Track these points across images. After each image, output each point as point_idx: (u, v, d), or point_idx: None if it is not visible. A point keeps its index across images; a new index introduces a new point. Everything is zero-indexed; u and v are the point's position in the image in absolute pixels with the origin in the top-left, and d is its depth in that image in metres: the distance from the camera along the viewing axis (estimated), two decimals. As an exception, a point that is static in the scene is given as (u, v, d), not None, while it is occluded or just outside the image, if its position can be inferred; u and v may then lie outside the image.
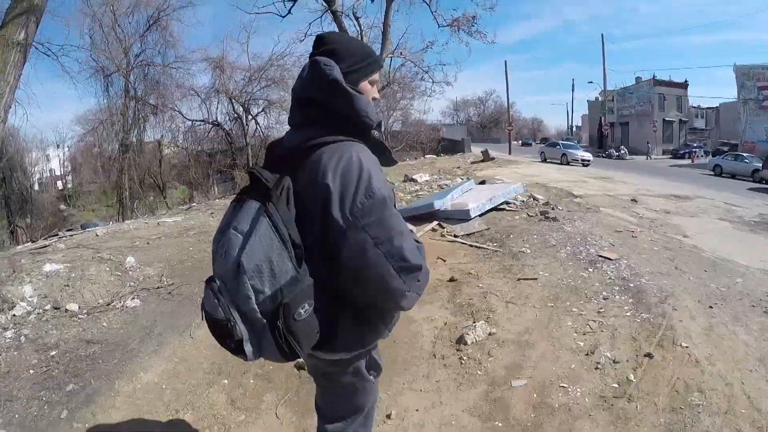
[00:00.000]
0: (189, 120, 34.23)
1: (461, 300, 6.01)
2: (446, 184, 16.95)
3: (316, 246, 1.66)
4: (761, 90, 42.58)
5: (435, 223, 10.40)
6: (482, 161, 29.99)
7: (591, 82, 76.59)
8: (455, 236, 9.49)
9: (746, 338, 4.93)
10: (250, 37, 43.08)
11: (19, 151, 28.19)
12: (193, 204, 18.90)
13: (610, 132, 56.34)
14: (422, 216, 10.69)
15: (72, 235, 11.12)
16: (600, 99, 61.13)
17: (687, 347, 4.63)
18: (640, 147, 50.53)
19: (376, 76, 1.99)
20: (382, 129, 3.40)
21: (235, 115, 35.18)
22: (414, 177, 19.81)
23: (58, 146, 39.48)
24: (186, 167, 34.46)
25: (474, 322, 5.31)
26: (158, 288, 6.27)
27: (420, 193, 16.38)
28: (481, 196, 11.31)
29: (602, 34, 55.68)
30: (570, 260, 7.31)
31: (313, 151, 1.72)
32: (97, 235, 10.01)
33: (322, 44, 1.90)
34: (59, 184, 49.45)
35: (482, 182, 15.00)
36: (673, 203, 13.84)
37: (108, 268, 6.70)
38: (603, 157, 45.63)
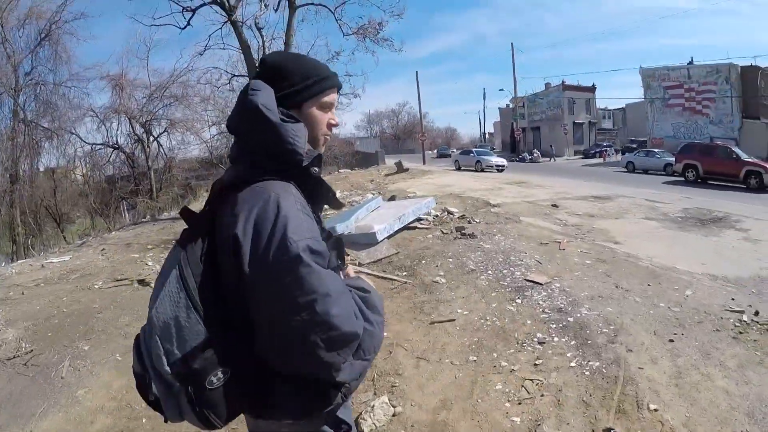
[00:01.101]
0: (88, 144, 30.84)
1: (359, 361, 4.51)
2: (356, 201, 15.58)
3: (236, 305, 1.35)
4: (667, 89, 44.22)
5: (338, 250, 8.92)
6: (396, 173, 28.84)
7: (502, 90, 77.89)
8: (360, 264, 8.08)
9: (725, 383, 3.83)
10: (151, 52, 39.09)
11: None
12: (88, 239, 16.79)
13: (523, 137, 56.61)
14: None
15: None
16: (511, 106, 62.28)
17: (657, 410, 3.47)
18: (552, 149, 51.15)
19: (331, 98, 1.63)
20: (321, 165, 1.88)
21: (136, 137, 32.15)
22: (323, 195, 18.43)
23: None
24: (84, 196, 31.01)
25: (374, 396, 3.95)
26: (14, 358, 5.26)
27: (329, 212, 14.95)
28: (390, 214, 9.97)
29: (512, 43, 56.84)
30: (493, 289, 6.09)
31: (231, 192, 1.43)
32: None
33: (262, 65, 1.61)
34: None
35: (392, 198, 13.65)
36: (596, 205, 12.98)
37: None
38: (517, 161, 45.78)
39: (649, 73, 45.43)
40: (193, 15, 17.22)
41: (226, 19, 17.03)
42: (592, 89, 59.51)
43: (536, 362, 4.20)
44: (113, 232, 17.57)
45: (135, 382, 1.44)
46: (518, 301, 5.57)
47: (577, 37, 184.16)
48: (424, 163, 41.67)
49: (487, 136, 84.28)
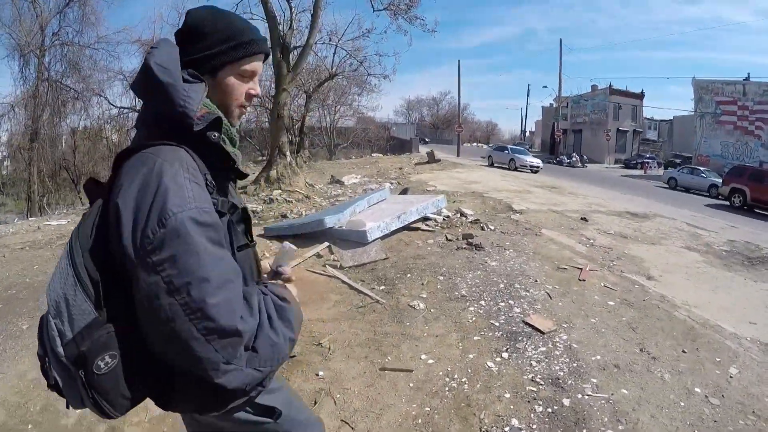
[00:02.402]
0: (115, 107, 29.69)
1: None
2: (371, 189, 14.17)
3: (124, 282, 1.21)
4: (719, 105, 40.80)
5: (325, 245, 7.61)
6: (427, 163, 27.41)
7: (545, 87, 73.73)
8: (341, 268, 6.75)
9: None
10: (182, 19, 38.62)
11: None
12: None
13: (563, 138, 53.87)
14: (314, 235, 7.90)
15: None
16: (554, 105, 59.56)
17: None
18: (592, 155, 48.68)
19: (252, 66, 1.47)
20: (230, 128, 1.50)
21: (166, 102, 31.62)
22: (341, 179, 17.10)
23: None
24: (106, 159, 30.28)
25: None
26: None
27: (340, 198, 13.68)
28: (391, 211, 8.55)
29: (560, 39, 52.81)
30: (479, 329, 4.67)
31: (123, 159, 1.30)
32: None
33: (183, 23, 1.44)
34: None
35: (404, 191, 12.08)
36: (630, 224, 11.21)
37: None
38: (554, 163, 43.20)
39: (703, 85, 42.24)
40: (220, -18, 16.40)
41: (253, -13, 16.11)
42: (640, 96, 55.49)
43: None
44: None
45: (41, 368, 1.26)
46: (504, 354, 4.11)
47: (627, 42, 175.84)
48: (458, 155, 39.36)
49: (527, 134, 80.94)
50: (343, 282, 6.19)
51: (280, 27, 16.11)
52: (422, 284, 5.81)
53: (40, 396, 3.78)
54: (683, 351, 4.44)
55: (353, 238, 7.60)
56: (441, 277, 6.01)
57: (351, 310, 5.24)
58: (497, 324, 4.69)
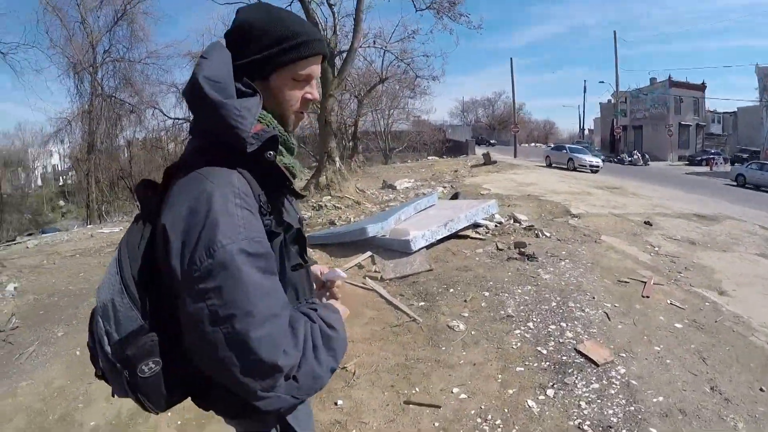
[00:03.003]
0: (170, 118, 30.56)
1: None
2: (423, 194, 13.68)
3: (170, 295, 1.21)
4: (787, 93, 37.78)
5: (367, 255, 7.22)
6: (483, 165, 26.52)
7: (602, 82, 69.31)
8: (382, 280, 6.34)
9: None
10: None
11: None
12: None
13: (623, 136, 50.91)
14: (358, 243, 7.53)
15: (25, 241, 11.12)
16: (612, 101, 55.07)
17: None
18: (654, 152, 46.03)
19: (309, 70, 1.35)
20: (287, 137, 1.37)
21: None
22: (393, 184, 16.69)
23: (62, 141, 37.24)
24: (160, 168, 31.44)
25: None
26: (0, 332, 5.42)
27: (391, 203, 13.27)
28: (438, 217, 8.06)
29: (614, 32, 49.97)
30: (524, 358, 4.14)
31: (175, 175, 1.28)
32: (27, 248, 9.72)
33: (232, 23, 1.35)
34: (61, 179, 47.50)
35: (455, 195, 11.46)
36: (698, 228, 10.23)
37: None
38: (614, 162, 41.01)
39: (766, 72, 39.24)
40: (262, -7, 16.40)
41: (295, -4, 16.15)
42: (701, 87, 51.74)
43: None
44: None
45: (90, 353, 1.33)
46: (550, 392, 3.55)
47: (682, 32, 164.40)
48: (515, 156, 37.90)
49: (586, 132, 76.83)
50: (381, 296, 5.76)
51: (324, 33, 15.88)
52: (465, 301, 5.30)
53: (61, 405, 3.88)
54: (761, 389, 3.76)
55: (397, 248, 7.16)
56: (486, 293, 5.48)
57: (385, 329, 4.82)
58: (545, 352, 4.12)
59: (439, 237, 7.42)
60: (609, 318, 4.84)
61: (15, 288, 6.89)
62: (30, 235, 15.18)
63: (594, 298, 5.34)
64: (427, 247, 7.22)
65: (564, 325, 4.62)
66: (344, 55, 16.23)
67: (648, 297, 5.54)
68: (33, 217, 31.75)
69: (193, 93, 1.20)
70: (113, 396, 1.30)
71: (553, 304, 5.13)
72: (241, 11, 1.34)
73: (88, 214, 26.44)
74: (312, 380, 1.23)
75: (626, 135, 52.54)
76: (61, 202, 39.25)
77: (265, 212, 1.25)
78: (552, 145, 41.20)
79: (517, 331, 4.53)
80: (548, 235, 8.22)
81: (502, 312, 4.97)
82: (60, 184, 45.91)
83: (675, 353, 4.20)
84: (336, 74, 15.57)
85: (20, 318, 5.90)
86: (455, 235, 7.78)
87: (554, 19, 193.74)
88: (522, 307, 5.06)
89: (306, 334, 1.23)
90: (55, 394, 4.07)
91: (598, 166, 28.16)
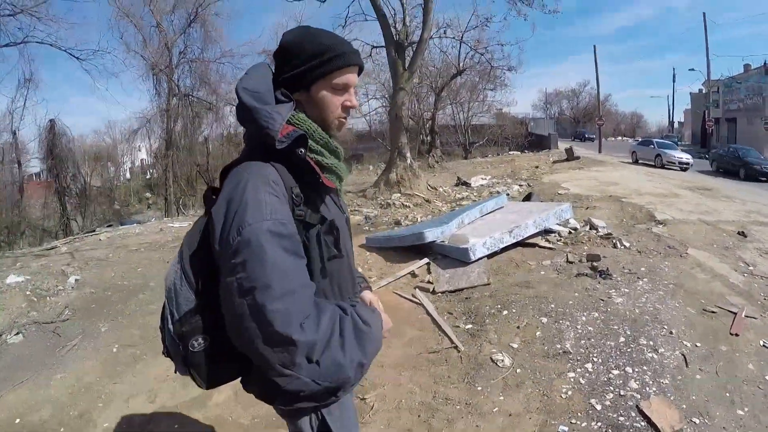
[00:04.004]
0: None
1: None
2: (498, 192, 12.79)
3: (217, 278, 1.38)
4: None
5: (424, 262, 6.64)
6: (565, 160, 24.92)
7: (692, 69, 62.89)
8: (434, 293, 5.74)
9: None
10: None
11: (69, 149, 26.42)
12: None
13: (715, 129, 44.94)
14: (417, 248, 6.98)
15: (103, 232, 11.58)
16: (704, 91, 49.79)
17: None
18: (750, 147, 40.62)
19: (344, 79, 1.50)
20: (329, 141, 1.54)
21: (295, 110, 34.08)
22: (468, 180, 15.88)
23: (149, 138, 39.54)
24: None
25: None
26: (51, 323, 5.55)
27: (463, 202, 12.49)
28: (504, 222, 7.30)
29: (704, 13, 43.72)
30: (571, 413, 3.41)
31: (227, 173, 1.48)
32: (100, 240, 10.01)
33: (279, 44, 1.54)
34: (148, 173, 50.30)
35: (528, 196, 10.48)
36: (802, 242, 8.72)
37: (48, 287, 6.58)
38: (706, 158, 37.11)
39: None
40: (330, -12, 16.35)
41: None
42: None
43: None
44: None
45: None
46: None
47: None
48: (600, 151, 35.44)
49: (675, 125, 71.41)
50: (428, 313, 5.15)
51: (394, 25, 15.30)
52: (518, 327, 4.58)
53: (84, 402, 3.96)
54: None
55: (455, 256, 6.50)
56: (545, 319, 4.72)
57: (421, 355, 4.27)
58: (599, 408, 3.34)
59: (502, 245, 6.66)
60: (687, 363, 3.97)
61: (76, 280, 6.95)
62: (110, 226, 15.65)
63: (672, 333, 4.45)
64: (489, 256, 6.50)
65: (629, 370, 3.80)
66: (415, 47, 15.51)
67: (737, 335, 4.57)
68: (120, 208, 33.70)
69: (238, 101, 1.40)
70: (175, 372, 1.47)
71: (621, 339, 4.29)
72: (285, 34, 1.51)
73: (167, 207, 27.88)
74: (334, 368, 1.28)
75: (719, 128, 46.89)
76: (148, 194, 41.56)
77: (299, 203, 1.39)
78: (639, 140, 38.13)
79: (572, 374, 3.77)
80: (627, 245, 7.23)
81: (558, 346, 4.21)
82: (147, 177, 48.50)
83: (763, 421, 3.31)
84: (406, 67, 14.90)
85: (72, 310, 5.94)
86: (522, 243, 6.99)
87: (640, 3, 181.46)
88: (583, 341, 4.27)
89: (334, 322, 1.31)
90: (83, 390, 4.13)
91: (688, 163, 25.76)
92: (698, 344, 4.30)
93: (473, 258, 6.24)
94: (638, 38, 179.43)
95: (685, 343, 4.29)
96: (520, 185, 14.85)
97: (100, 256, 8.39)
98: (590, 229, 8.12)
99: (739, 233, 8.72)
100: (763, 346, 4.40)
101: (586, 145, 43.89)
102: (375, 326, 1.42)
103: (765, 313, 5.17)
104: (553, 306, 5.00)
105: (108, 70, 37.99)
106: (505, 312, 4.94)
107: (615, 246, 7.18)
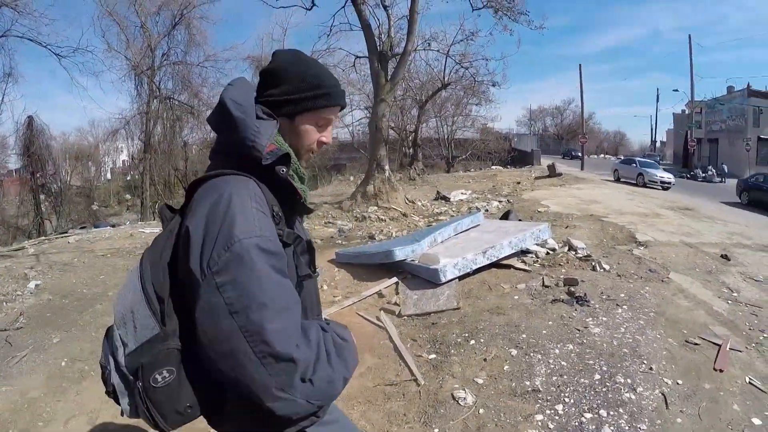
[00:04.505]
0: None
1: None
2: (477, 208, 12.45)
3: (184, 304, 1.27)
4: None
5: (393, 281, 6.22)
6: (547, 176, 24.82)
7: (676, 90, 63.74)
8: (399, 316, 5.32)
9: None
10: (288, 35, 37.35)
11: (46, 147, 26.03)
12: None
13: (697, 149, 45.74)
14: (387, 264, 6.56)
15: (74, 234, 11.32)
16: (687, 111, 50.29)
17: None
18: (731, 168, 40.19)
19: (328, 118, 1.51)
20: (299, 167, 1.48)
21: (277, 116, 33.77)
22: (447, 195, 15.58)
23: (131, 139, 38.86)
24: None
25: None
26: (5, 330, 5.34)
27: (441, 217, 12.14)
28: (479, 242, 6.91)
29: (689, 35, 44.77)
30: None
31: (196, 187, 1.37)
32: (69, 243, 9.71)
33: (269, 64, 1.49)
34: (129, 175, 49.33)
35: (506, 214, 10.07)
36: (785, 266, 8.40)
37: (7, 292, 6.45)
38: (687, 178, 36.87)
39: None
40: (316, -5, 16.46)
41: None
42: None
43: None
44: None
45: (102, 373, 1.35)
46: None
47: (764, 36, 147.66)
48: (582, 168, 35.50)
49: (657, 144, 72.41)
50: (390, 339, 4.73)
51: (379, 35, 15.11)
52: (485, 360, 4.16)
53: (25, 419, 3.74)
54: None
55: (425, 276, 6.11)
56: (514, 351, 4.30)
57: (377, 387, 3.87)
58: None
59: (475, 267, 6.26)
60: (667, 404, 3.57)
61: (36, 286, 6.77)
62: (83, 228, 15.33)
63: (652, 369, 4.05)
64: (461, 278, 6.10)
65: (604, 414, 3.39)
66: (398, 58, 15.29)
67: (722, 371, 4.19)
68: (98, 209, 33.11)
69: (220, 110, 1.34)
70: (122, 416, 1.27)
71: (597, 377, 3.88)
72: (278, 55, 1.47)
73: (143, 210, 27.39)
74: (327, 384, 1.23)
75: (700, 148, 47.79)
76: (127, 196, 41.17)
77: (278, 221, 1.31)
78: (621, 158, 38.45)
79: (540, 417, 3.35)
80: (607, 267, 6.86)
81: (528, 383, 3.79)
82: (127, 178, 47.82)
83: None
84: (388, 78, 14.59)
85: (28, 317, 5.75)
86: (496, 264, 6.60)
87: (627, 23, 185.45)
88: (555, 378, 3.86)
89: (318, 339, 1.26)
90: (26, 406, 3.92)
91: (669, 183, 25.71)
92: (680, 381, 3.91)
93: (443, 280, 5.84)
94: (624, 58, 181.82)
95: (665, 380, 3.90)
96: (500, 201, 14.53)
97: (65, 260, 8.23)
98: (569, 250, 7.75)
99: (722, 256, 8.38)
100: (750, 383, 4.02)
101: (570, 162, 43.98)
102: (351, 341, 1.39)
103: (750, 345, 4.80)
104: (524, 336, 4.59)
105: (88, 68, 36.87)
106: (473, 341, 4.52)
107: (594, 269, 6.80)
